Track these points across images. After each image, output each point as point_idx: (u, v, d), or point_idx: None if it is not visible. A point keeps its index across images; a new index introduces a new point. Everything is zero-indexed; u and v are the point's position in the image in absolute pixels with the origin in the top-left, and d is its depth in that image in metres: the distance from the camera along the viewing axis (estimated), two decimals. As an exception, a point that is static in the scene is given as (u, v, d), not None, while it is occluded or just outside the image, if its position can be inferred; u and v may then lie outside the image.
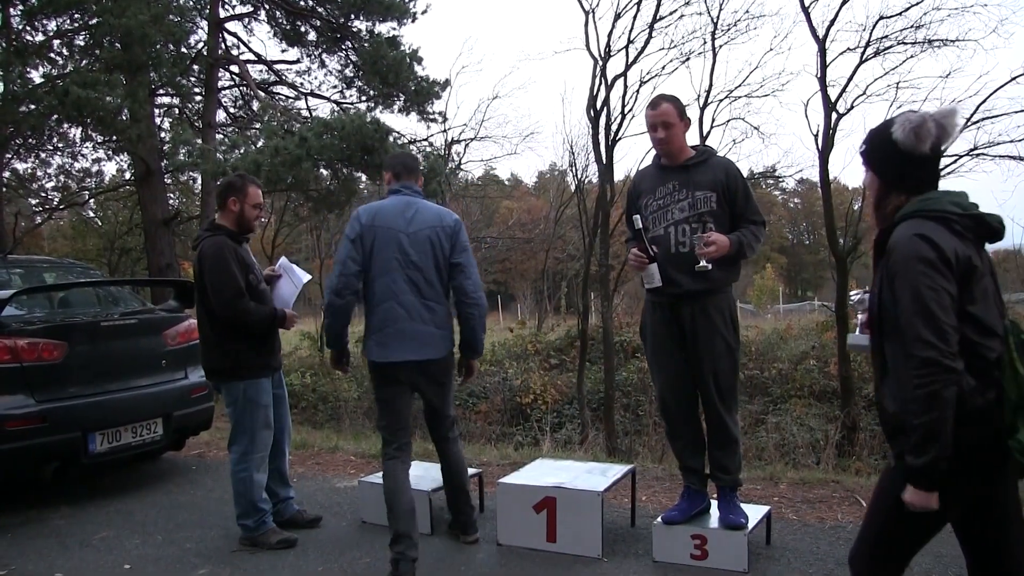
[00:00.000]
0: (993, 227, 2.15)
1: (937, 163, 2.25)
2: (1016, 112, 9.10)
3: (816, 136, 9.77)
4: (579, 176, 15.85)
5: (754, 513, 3.92)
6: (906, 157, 2.19)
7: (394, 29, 14.03)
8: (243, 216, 4.36)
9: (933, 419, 2.01)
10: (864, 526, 2.32)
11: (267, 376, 4.37)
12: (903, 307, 2.08)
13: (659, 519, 3.91)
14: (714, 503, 3.95)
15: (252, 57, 14.64)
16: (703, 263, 3.61)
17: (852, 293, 2.54)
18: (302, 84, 15.48)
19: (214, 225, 4.38)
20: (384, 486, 3.90)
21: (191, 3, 13.14)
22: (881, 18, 9.62)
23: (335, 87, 15.35)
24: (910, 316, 2.05)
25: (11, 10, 11.22)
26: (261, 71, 15.25)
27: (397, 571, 3.71)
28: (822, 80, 9.63)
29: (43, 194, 18.65)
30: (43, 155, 16.40)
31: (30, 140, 13.91)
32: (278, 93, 15.63)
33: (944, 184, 2.31)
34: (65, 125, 13.11)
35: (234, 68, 14.27)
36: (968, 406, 2.03)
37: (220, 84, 14.32)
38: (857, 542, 2.33)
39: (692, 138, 3.92)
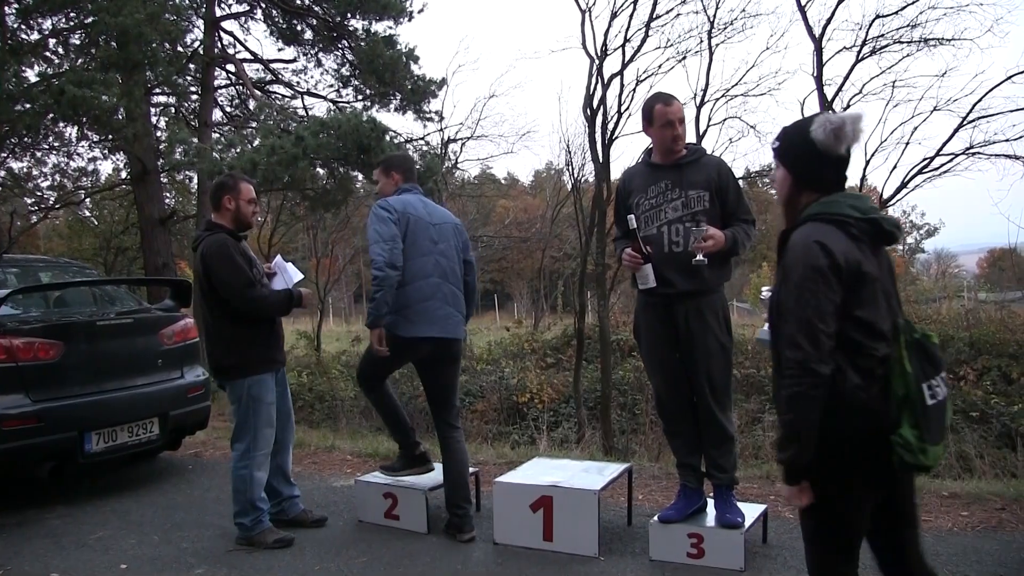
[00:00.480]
0: (888, 231, 2.23)
1: (847, 165, 2.31)
2: (1012, 111, 9.14)
3: (813, 135, 9.76)
4: (575, 175, 15.88)
5: (751, 512, 3.93)
6: (823, 157, 2.23)
7: (390, 28, 13.99)
8: (239, 213, 4.39)
9: (795, 419, 2.12)
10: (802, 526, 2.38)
11: (272, 372, 4.38)
12: (785, 308, 2.18)
13: (656, 518, 3.91)
14: (710, 502, 3.96)
15: (248, 56, 14.60)
16: (700, 257, 3.61)
17: (764, 289, 2.59)
18: (298, 83, 15.45)
19: (212, 224, 4.40)
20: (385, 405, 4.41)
21: (187, 2, 13.09)
22: (877, 17, 9.67)
23: (331, 86, 15.32)
24: (789, 318, 2.15)
25: (6, 8, 11.18)
26: (257, 70, 15.21)
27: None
28: (818, 79, 9.65)
29: (39, 193, 18.58)
30: (39, 154, 16.31)
31: (25, 139, 13.83)
32: (274, 92, 15.60)
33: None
34: (61, 124, 13.04)
35: (230, 67, 14.24)
36: (852, 400, 2.13)
37: (216, 83, 14.28)
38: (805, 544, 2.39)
39: (689, 136, 3.92)
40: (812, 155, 2.25)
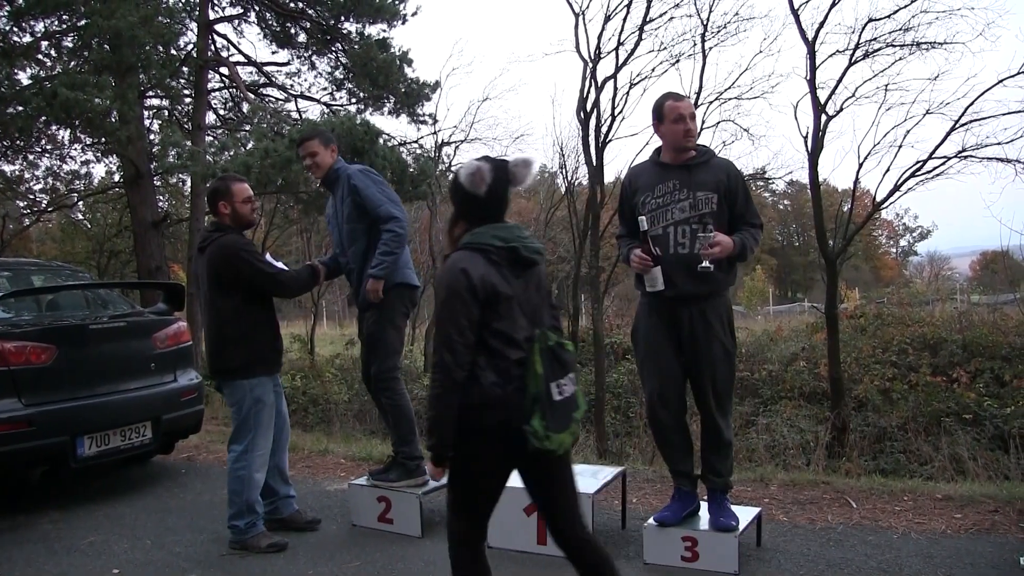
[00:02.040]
0: (525, 257, 2.65)
1: (497, 202, 2.70)
2: (1003, 115, 9.14)
3: (805, 138, 9.77)
4: (569, 178, 15.85)
5: (744, 515, 3.92)
6: (467, 196, 2.67)
7: (384, 31, 14.02)
8: (237, 214, 4.43)
9: (436, 415, 2.56)
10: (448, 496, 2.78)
11: (272, 374, 4.44)
12: (436, 321, 2.63)
13: (650, 521, 3.91)
14: (704, 505, 3.96)
15: (242, 59, 14.60)
16: (706, 263, 3.58)
17: None
18: (292, 86, 15.46)
19: (219, 225, 4.44)
20: (405, 405, 4.56)
21: (180, 5, 13.09)
22: (870, 20, 9.66)
23: (325, 89, 15.33)
24: (438, 330, 2.60)
25: (-2, 11, 11.16)
26: (251, 73, 15.22)
27: None
28: (811, 82, 9.65)
29: (31, 196, 18.54)
30: (31, 157, 16.26)
31: (18, 142, 13.80)
32: (268, 95, 15.59)
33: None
34: (53, 127, 13.03)
35: (224, 70, 14.22)
36: (490, 396, 2.55)
37: (210, 86, 14.27)
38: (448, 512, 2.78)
39: (698, 135, 3.91)
40: (461, 195, 2.69)
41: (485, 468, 2.65)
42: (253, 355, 4.32)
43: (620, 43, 11.76)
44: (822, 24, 9.63)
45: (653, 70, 12.51)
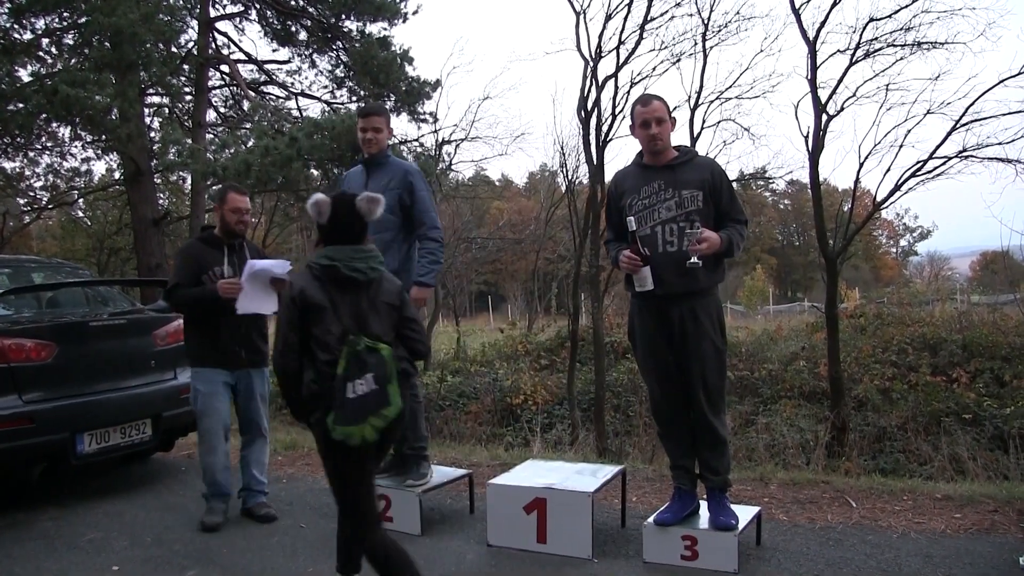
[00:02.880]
0: (344, 275, 3.04)
1: (341, 229, 3.11)
2: (1004, 115, 9.11)
3: (806, 138, 9.75)
4: (570, 177, 15.83)
5: (744, 514, 3.93)
6: (315, 223, 3.17)
7: (385, 29, 14.03)
8: (222, 220, 4.73)
9: (282, 384, 3.10)
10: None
11: (214, 366, 4.66)
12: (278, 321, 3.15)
13: (650, 520, 3.91)
14: (704, 504, 3.96)
15: (243, 57, 14.62)
16: (694, 259, 3.62)
17: None
18: (292, 84, 15.47)
19: (205, 227, 4.97)
20: (421, 404, 4.63)
21: (181, 2, 13.09)
22: (871, 20, 9.63)
23: (326, 87, 15.34)
24: (277, 328, 3.12)
25: (-1, 8, 11.16)
26: (251, 71, 15.23)
27: None
28: (812, 82, 9.63)
29: (32, 193, 18.55)
30: (32, 154, 16.29)
31: (18, 139, 13.81)
32: (268, 93, 15.60)
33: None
34: (54, 124, 13.05)
35: (224, 68, 14.23)
36: (310, 391, 3.02)
37: (210, 84, 14.28)
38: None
39: (683, 139, 3.93)
40: (313, 220, 3.17)
41: (326, 450, 3.11)
42: (197, 349, 4.69)
43: (621, 42, 11.74)
44: (823, 23, 9.62)
45: (654, 69, 12.48)
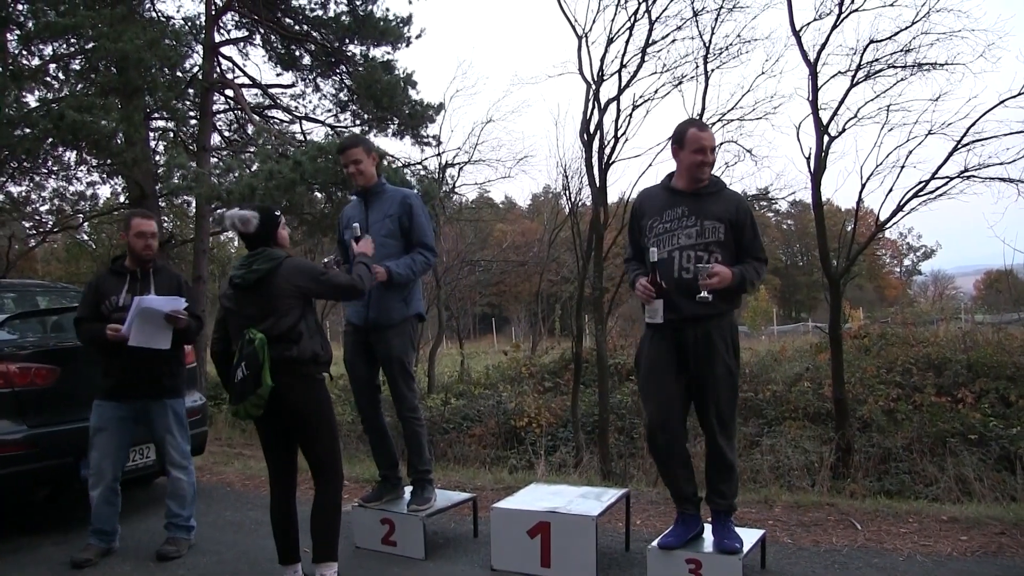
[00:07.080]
0: (232, 281, 3.72)
1: (251, 239, 3.74)
2: (1005, 135, 9.13)
3: (808, 159, 9.76)
4: (573, 199, 15.83)
5: (749, 537, 3.91)
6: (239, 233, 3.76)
7: (388, 53, 14.10)
8: (129, 247, 4.66)
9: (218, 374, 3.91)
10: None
11: (106, 399, 4.55)
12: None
13: (654, 543, 3.89)
14: (708, 527, 3.94)
15: (247, 81, 14.70)
16: (704, 294, 3.61)
17: None
18: (297, 108, 15.54)
19: (113, 258, 4.88)
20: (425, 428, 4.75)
21: (186, 28, 13.20)
22: (871, 42, 9.67)
23: (329, 111, 15.41)
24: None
25: (8, 35, 11.27)
26: (256, 95, 15.31)
27: None
28: (813, 103, 9.67)
29: (37, 217, 18.60)
30: (37, 178, 16.36)
31: (25, 163, 13.91)
32: (273, 117, 15.69)
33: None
34: (60, 148, 13.13)
35: (229, 92, 14.32)
36: (231, 378, 3.65)
37: (215, 108, 14.36)
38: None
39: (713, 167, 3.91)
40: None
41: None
42: (99, 380, 4.58)
43: (623, 65, 11.79)
44: (824, 46, 9.66)
45: (656, 92, 12.51)
